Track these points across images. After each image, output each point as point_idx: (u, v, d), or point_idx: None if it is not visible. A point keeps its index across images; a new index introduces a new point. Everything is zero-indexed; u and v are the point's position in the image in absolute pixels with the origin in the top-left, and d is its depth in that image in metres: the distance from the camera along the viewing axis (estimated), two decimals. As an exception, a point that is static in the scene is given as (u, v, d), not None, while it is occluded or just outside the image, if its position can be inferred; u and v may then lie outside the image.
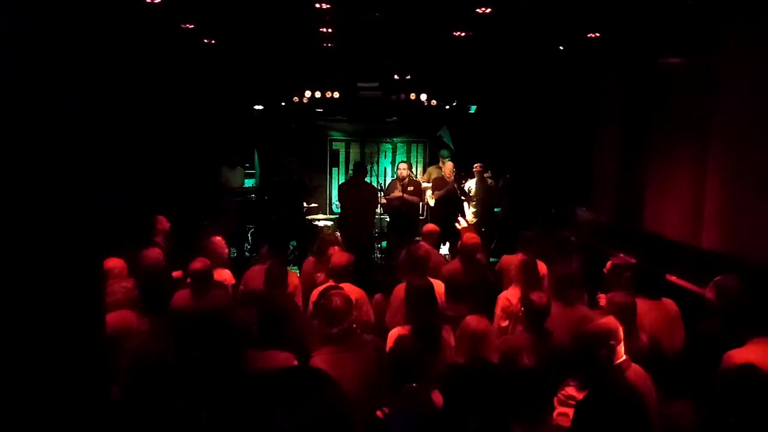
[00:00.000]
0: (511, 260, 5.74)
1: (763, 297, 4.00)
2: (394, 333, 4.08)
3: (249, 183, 10.62)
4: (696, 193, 6.76)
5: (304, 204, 9.73)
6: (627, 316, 3.89)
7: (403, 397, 2.84)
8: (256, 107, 10.86)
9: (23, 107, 2.27)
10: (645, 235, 7.85)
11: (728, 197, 6.11)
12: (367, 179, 9.31)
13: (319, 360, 3.46)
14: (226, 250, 5.73)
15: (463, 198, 9.84)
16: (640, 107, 8.17)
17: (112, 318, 3.64)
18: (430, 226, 6.84)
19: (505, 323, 4.66)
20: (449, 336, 4.03)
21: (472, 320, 3.74)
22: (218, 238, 5.57)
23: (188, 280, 4.76)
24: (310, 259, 6.08)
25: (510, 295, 4.81)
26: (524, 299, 4.08)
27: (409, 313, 4.16)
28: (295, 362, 3.12)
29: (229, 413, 3.13)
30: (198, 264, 4.77)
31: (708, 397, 3.26)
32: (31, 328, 2.27)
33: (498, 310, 4.76)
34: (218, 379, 3.41)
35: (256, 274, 5.25)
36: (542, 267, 5.40)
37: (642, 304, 4.29)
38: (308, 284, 5.50)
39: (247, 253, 9.23)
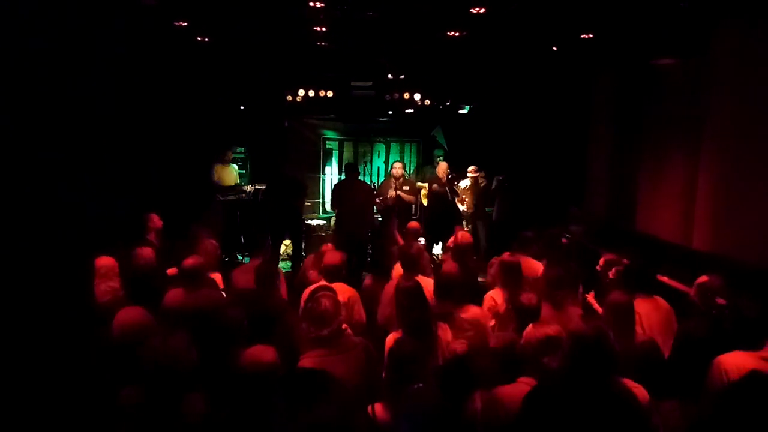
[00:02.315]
0: None
1: (753, 297, 4.03)
2: (390, 338, 4.09)
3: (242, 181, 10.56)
4: (687, 193, 6.79)
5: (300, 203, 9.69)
6: (624, 315, 3.90)
7: (409, 398, 2.83)
8: (249, 105, 10.82)
9: (16, 107, 2.26)
10: (637, 235, 7.89)
11: (719, 198, 6.14)
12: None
13: (308, 362, 3.44)
14: (219, 252, 5.70)
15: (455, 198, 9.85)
16: (633, 108, 8.21)
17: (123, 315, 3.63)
18: (412, 224, 6.86)
19: (491, 323, 4.66)
20: (445, 333, 4.04)
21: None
22: (212, 241, 5.55)
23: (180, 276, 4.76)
24: (311, 257, 6.03)
25: (494, 295, 4.84)
26: (513, 300, 4.09)
27: (400, 316, 4.15)
28: (276, 357, 3.10)
29: (222, 412, 3.12)
30: (191, 261, 4.76)
31: (695, 397, 3.28)
32: (20, 324, 2.27)
33: (485, 310, 4.76)
34: (211, 377, 3.41)
35: (244, 272, 5.24)
36: (538, 268, 5.43)
37: (641, 303, 4.33)
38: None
39: (239, 256, 9.07)
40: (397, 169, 9.46)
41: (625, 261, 5.42)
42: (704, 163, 6.44)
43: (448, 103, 11.11)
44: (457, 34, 7.41)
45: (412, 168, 12.10)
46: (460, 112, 11.36)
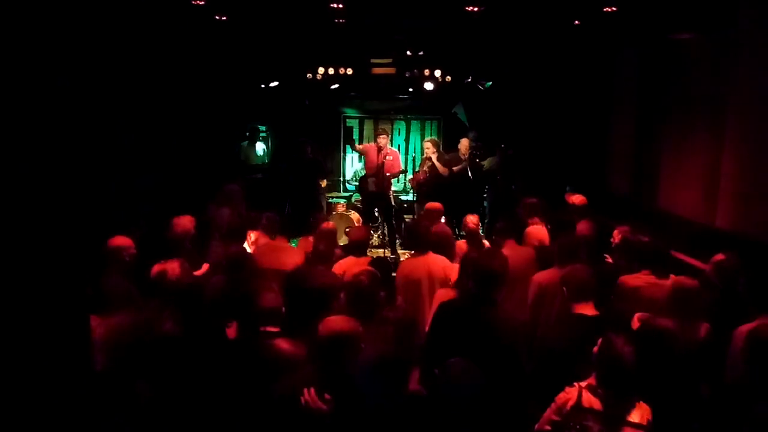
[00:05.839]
0: None
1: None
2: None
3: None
4: (711, 171, 6.68)
5: (321, 184, 9.72)
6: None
7: (448, 371, 2.92)
8: (270, 84, 10.83)
9: (37, 93, 2.25)
10: (659, 213, 7.80)
11: (744, 176, 6.04)
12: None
13: None
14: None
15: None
16: (656, 83, 8.05)
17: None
18: (432, 204, 6.68)
19: None
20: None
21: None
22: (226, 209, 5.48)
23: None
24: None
25: None
26: None
27: None
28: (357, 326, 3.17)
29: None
30: (235, 249, 4.71)
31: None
32: (27, 319, 2.23)
33: None
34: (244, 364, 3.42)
35: (267, 249, 5.25)
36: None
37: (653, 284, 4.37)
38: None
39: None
40: (428, 149, 9.40)
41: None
42: (729, 140, 6.33)
43: (469, 80, 10.97)
44: (476, 9, 7.27)
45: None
46: (481, 88, 11.22)
